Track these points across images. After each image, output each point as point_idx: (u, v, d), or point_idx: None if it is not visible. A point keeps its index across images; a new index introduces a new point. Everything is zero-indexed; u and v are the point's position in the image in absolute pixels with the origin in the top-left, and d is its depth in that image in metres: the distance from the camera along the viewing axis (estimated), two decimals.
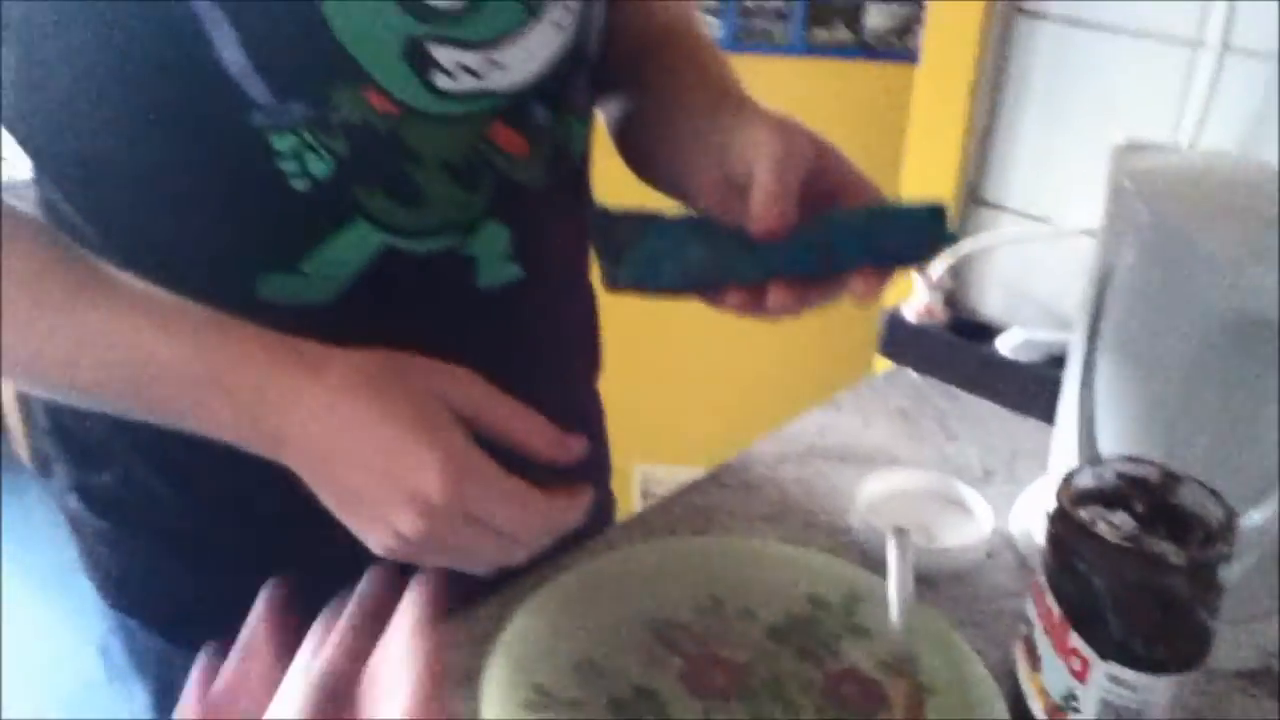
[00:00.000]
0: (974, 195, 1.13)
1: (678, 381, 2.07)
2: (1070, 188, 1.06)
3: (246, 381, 0.58)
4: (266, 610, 0.57)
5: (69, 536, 0.84)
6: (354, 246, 0.67)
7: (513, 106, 0.68)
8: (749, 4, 1.99)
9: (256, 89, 0.61)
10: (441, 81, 0.65)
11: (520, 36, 0.67)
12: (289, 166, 0.63)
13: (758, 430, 0.97)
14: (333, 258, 0.67)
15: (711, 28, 1.98)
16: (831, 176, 0.65)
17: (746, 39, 2.03)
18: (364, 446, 0.56)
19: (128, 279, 0.61)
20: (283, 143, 0.63)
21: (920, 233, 0.61)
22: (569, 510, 0.59)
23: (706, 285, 0.62)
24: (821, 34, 1.96)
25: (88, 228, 0.68)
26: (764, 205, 0.61)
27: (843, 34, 1.95)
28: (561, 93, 0.72)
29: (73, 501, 0.81)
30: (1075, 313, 0.84)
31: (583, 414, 0.90)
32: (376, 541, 0.58)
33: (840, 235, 0.61)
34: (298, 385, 0.57)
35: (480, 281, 0.72)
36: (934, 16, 1.10)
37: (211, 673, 0.54)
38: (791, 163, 0.63)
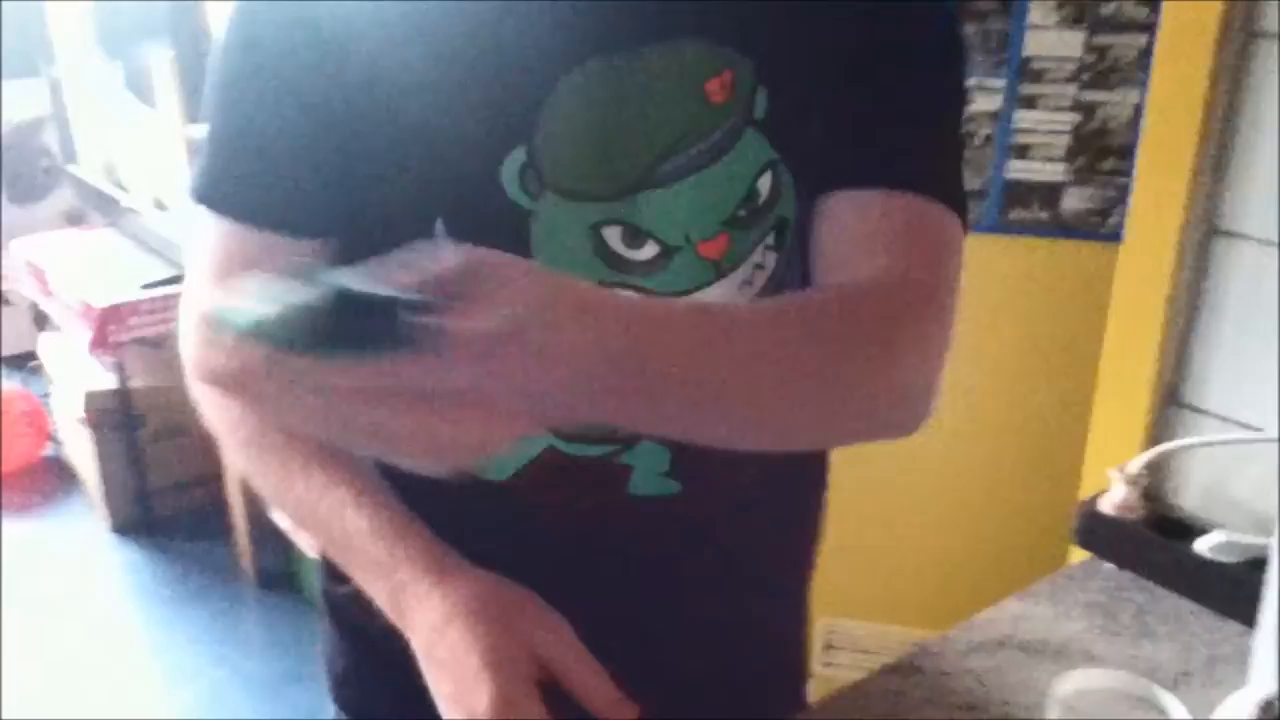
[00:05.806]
0: (1174, 397, 1.16)
1: (871, 547, 2.09)
2: (1272, 391, 1.08)
3: (396, 575, 0.73)
4: None
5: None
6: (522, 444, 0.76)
7: None
8: None
9: None
10: None
11: (703, 292, 0.75)
12: None
13: (941, 607, 0.98)
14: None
15: None
16: None
17: None
18: (448, 663, 0.69)
19: (349, 459, 0.75)
20: None
21: None
22: None
23: None
24: (1018, 214, 2.02)
25: None
26: None
27: (1039, 214, 2.01)
28: None
29: (320, 607, 0.95)
30: (1275, 517, 0.86)
31: (757, 620, 0.92)
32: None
33: None
34: (426, 595, 0.71)
35: (632, 489, 0.81)
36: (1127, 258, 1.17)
37: None
38: None
